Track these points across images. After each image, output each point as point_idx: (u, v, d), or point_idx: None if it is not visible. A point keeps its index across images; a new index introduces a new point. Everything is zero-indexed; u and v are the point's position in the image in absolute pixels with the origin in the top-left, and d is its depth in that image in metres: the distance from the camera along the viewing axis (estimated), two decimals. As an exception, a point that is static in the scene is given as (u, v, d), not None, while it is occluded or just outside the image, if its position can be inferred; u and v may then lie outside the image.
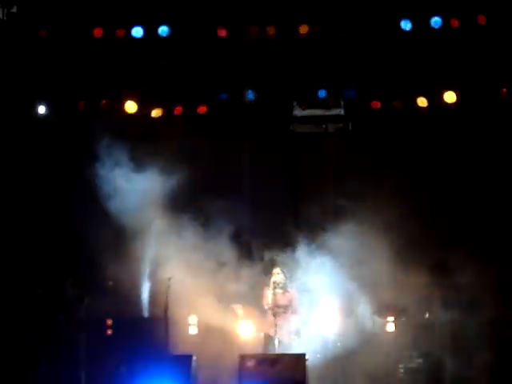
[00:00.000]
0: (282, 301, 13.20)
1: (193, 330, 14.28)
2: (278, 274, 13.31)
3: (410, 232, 14.23)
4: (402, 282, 14.07)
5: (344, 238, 14.11)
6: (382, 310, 14.10)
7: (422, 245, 14.29)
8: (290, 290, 13.34)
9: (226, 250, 14.22)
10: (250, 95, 14.27)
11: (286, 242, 14.18)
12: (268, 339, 13.19)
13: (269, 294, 13.21)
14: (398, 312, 14.14)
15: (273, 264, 13.58)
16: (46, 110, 14.67)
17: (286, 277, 13.34)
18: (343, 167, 14.76)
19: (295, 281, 13.53)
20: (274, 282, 13.23)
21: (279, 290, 13.23)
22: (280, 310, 13.10)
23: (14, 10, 13.81)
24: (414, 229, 14.27)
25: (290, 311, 13.21)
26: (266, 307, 13.24)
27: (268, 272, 13.47)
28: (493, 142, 14.57)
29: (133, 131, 14.64)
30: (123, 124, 14.66)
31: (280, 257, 13.77)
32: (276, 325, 12.96)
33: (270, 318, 13.11)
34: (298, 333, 13.31)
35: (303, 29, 13.83)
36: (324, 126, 14.47)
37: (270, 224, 14.45)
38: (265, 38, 13.74)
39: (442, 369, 13.74)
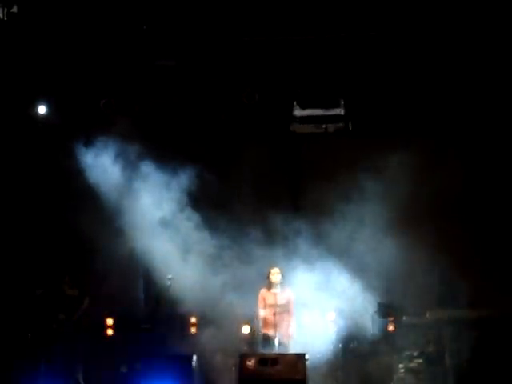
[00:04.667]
0: (280, 300, 13.18)
1: (194, 330, 14.36)
2: (276, 274, 13.29)
3: (411, 232, 14.19)
4: (403, 282, 14.18)
5: (344, 238, 14.21)
6: (382, 309, 14.13)
7: (427, 247, 14.20)
8: (287, 289, 13.33)
9: (225, 250, 14.28)
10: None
11: (285, 241, 14.30)
12: (267, 339, 13.16)
13: (268, 293, 13.23)
14: (398, 312, 14.15)
15: (271, 264, 13.56)
16: (46, 109, 14.62)
17: (283, 276, 13.33)
18: (343, 165, 14.78)
19: (293, 280, 13.56)
20: (273, 283, 13.23)
21: (277, 290, 13.24)
22: (278, 309, 13.05)
23: (15, 9, 13.59)
24: (415, 229, 14.27)
25: (287, 311, 13.18)
26: (264, 307, 13.20)
27: (266, 272, 13.42)
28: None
29: (133, 131, 14.64)
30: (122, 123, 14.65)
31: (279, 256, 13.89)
32: (275, 325, 12.91)
33: (270, 317, 13.08)
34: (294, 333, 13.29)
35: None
36: (324, 126, 14.46)
37: (270, 223, 14.43)
38: (265, 40, 13.71)
39: (442, 368, 13.77)
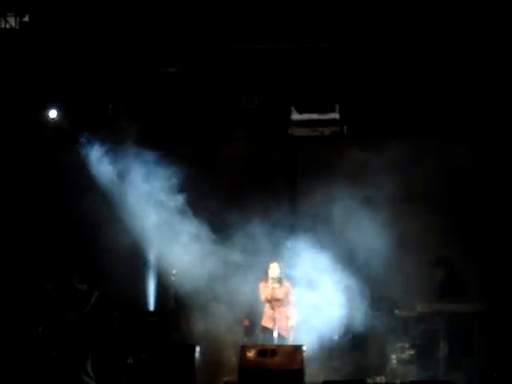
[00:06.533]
0: (279, 294, 13.36)
1: (196, 321, 14.48)
2: (275, 269, 13.44)
3: (404, 227, 14.50)
4: (396, 274, 14.38)
5: (338, 233, 14.47)
6: (375, 301, 14.38)
7: (418, 241, 14.57)
8: (284, 283, 13.49)
9: (226, 247, 14.49)
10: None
11: (284, 239, 14.46)
12: (266, 332, 13.37)
13: (266, 288, 13.37)
14: (390, 305, 14.36)
15: (270, 258, 13.75)
16: (57, 113, 14.90)
17: (281, 270, 13.48)
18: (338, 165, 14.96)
19: (291, 274, 13.68)
20: (271, 277, 13.40)
21: (276, 284, 13.38)
22: (277, 303, 13.29)
23: (26, 19, 13.86)
24: (407, 224, 14.54)
25: (285, 304, 13.38)
26: (264, 301, 13.41)
27: (265, 266, 13.58)
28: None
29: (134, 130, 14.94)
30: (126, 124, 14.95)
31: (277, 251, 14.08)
32: (275, 318, 13.12)
33: (269, 311, 13.32)
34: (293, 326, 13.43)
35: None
36: (320, 129, 14.61)
37: (270, 222, 14.65)
38: (265, 48, 13.93)
39: (434, 359, 13.89)
